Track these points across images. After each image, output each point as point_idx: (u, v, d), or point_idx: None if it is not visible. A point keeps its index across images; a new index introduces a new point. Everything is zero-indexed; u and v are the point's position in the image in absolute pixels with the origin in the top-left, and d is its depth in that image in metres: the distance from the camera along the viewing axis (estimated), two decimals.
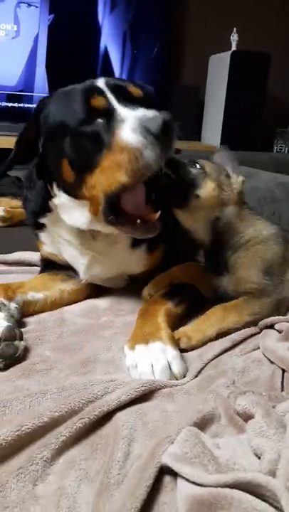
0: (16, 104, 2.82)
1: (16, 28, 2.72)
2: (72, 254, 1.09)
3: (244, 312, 0.95)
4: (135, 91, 0.93)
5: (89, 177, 0.89)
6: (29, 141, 0.99)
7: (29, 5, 2.71)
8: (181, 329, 0.94)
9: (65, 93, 0.95)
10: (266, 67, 2.58)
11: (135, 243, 1.07)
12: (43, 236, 1.14)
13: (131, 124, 0.83)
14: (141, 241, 1.06)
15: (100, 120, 0.88)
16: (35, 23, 2.73)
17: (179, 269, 1.07)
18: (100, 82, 0.92)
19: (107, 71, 2.84)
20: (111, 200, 0.89)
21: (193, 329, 0.94)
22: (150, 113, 0.83)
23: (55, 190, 1.00)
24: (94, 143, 0.87)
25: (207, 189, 0.97)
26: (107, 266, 1.08)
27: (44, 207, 1.07)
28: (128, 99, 0.89)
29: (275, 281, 0.97)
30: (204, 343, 0.91)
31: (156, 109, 0.86)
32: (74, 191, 0.94)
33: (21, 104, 2.83)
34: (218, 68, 2.70)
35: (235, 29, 2.70)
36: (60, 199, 0.99)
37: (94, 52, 2.82)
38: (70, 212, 0.98)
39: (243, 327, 0.94)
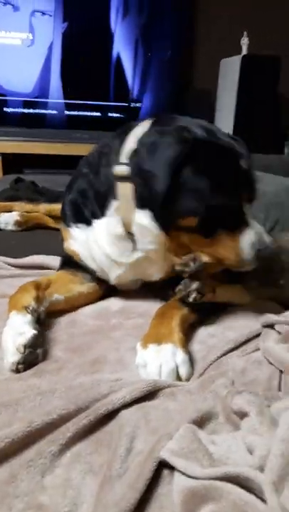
0: (31, 111, 2.89)
1: (31, 37, 2.79)
2: (105, 264, 1.11)
3: None
4: (253, 200, 1.04)
5: (195, 238, 0.99)
6: None
7: (43, 13, 2.78)
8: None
9: (221, 165, 0.97)
10: (276, 70, 2.58)
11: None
12: (77, 232, 1.15)
13: (251, 238, 0.98)
14: None
15: (235, 213, 0.98)
16: (49, 32, 2.79)
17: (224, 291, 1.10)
18: (247, 173, 0.99)
19: (120, 77, 2.88)
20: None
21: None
22: (265, 237, 0.99)
23: (143, 213, 1.00)
24: (220, 226, 0.98)
25: None
26: (136, 272, 1.11)
27: (102, 209, 1.07)
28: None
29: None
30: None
31: None
32: (170, 229, 1.00)
33: (37, 111, 2.89)
34: (229, 72, 2.72)
35: (245, 33, 2.72)
36: (146, 224, 1.01)
37: (107, 58, 2.87)
38: (149, 238, 1.03)
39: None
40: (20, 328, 0.90)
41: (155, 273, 1.12)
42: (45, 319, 1.02)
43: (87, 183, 1.12)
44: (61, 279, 1.15)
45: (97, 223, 1.09)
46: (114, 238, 1.07)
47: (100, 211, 1.08)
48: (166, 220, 0.99)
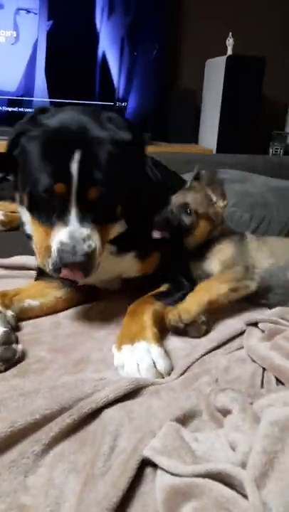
0: (16, 109, 2.87)
1: (15, 34, 2.76)
2: None
3: (224, 279, 1.06)
4: (93, 195, 0.92)
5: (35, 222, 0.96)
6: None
7: (28, 11, 2.75)
8: (178, 306, 1.00)
9: (45, 145, 0.93)
10: (261, 71, 2.60)
11: (121, 251, 1.10)
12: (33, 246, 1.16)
13: (61, 238, 0.90)
14: (127, 249, 1.10)
15: (51, 202, 0.91)
16: (34, 30, 2.76)
17: None
18: (74, 163, 0.89)
19: (106, 76, 2.87)
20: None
21: (187, 305, 1.01)
22: (70, 243, 0.89)
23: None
24: (42, 212, 0.93)
25: (200, 229, 1.17)
26: (100, 270, 1.12)
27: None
28: (84, 196, 0.91)
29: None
30: (199, 314, 0.99)
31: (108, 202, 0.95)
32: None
33: (21, 109, 2.87)
34: (214, 72, 2.73)
35: (230, 33, 2.74)
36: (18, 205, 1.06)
37: (92, 57, 2.85)
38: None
39: (228, 297, 1.04)
40: None
41: (125, 269, 1.13)
42: (16, 323, 1.02)
43: None
44: (35, 286, 1.16)
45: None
46: None
47: None
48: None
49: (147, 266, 1.14)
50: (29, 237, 1.12)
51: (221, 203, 1.19)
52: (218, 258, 1.14)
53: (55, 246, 0.90)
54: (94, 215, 0.92)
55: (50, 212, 0.92)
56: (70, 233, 0.90)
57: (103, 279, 1.15)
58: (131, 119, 1.01)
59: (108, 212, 0.97)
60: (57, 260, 0.90)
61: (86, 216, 0.91)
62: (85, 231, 0.91)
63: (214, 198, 1.19)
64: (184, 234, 1.15)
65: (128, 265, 1.13)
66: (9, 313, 1.01)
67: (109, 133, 0.94)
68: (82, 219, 0.91)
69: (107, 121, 0.97)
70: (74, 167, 0.89)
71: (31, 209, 0.96)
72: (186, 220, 1.14)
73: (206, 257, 1.16)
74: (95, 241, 0.92)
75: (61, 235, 0.90)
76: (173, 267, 1.16)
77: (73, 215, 0.91)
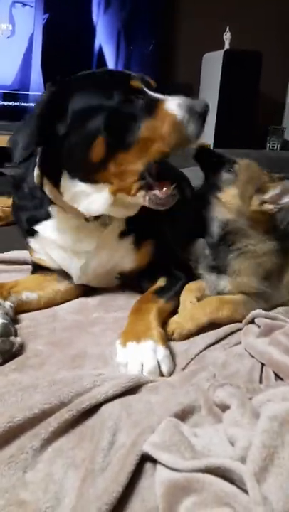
0: (12, 103, 2.85)
1: (11, 28, 2.74)
2: (64, 258, 1.11)
3: (239, 310, 0.99)
4: (153, 83, 1.02)
5: (123, 153, 0.93)
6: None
7: (24, 4, 2.73)
8: (174, 319, 0.97)
9: (90, 77, 1.00)
10: (258, 65, 2.60)
11: (123, 233, 1.10)
12: (33, 242, 1.16)
13: (176, 100, 0.91)
14: (128, 232, 1.10)
15: (139, 99, 0.94)
16: (30, 23, 2.75)
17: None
18: (126, 72, 1.00)
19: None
20: (148, 169, 0.94)
21: (187, 318, 0.97)
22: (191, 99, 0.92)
23: (67, 181, 0.98)
24: (134, 119, 0.92)
25: (228, 196, 1.00)
26: (99, 263, 1.11)
27: (44, 214, 1.09)
28: (150, 88, 0.98)
29: (273, 288, 1.02)
30: (196, 332, 0.96)
31: None
32: (94, 175, 0.95)
33: (17, 103, 2.85)
34: (212, 67, 2.73)
35: (228, 28, 2.73)
36: (76, 188, 0.98)
37: (89, 51, 2.84)
38: (88, 199, 0.98)
39: (235, 320, 0.99)
40: None
41: (122, 259, 1.12)
42: (14, 314, 1.02)
43: None
44: (33, 278, 1.16)
45: None
46: (69, 233, 1.08)
47: None
48: (78, 164, 0.96)
49: (143, 256, 1.13)
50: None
51: (269, 206, 0.99)
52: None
53: (180, 108, 0.90)
54: None
55: (136, 124, 0.92)
56: (181, 99, 0.92)
57: (101, 275, 1.14)
58: None
59: None
60: (190, 114, 0.89)
61: None
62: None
63: (267, 196, 0.99)
64: (213, 191, 0.99)
65: (124, 254, 1.12)
66: (7, 304, 1.01)
67: None
68: None
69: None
70: (128, 72, 0.99)
71: (115, 147, 0.92)
72: (225, 177, 1.00)
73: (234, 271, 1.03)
74: None
75: (175, 103, 0.91)
76: (167, 257, 1.14)
77: (164, 96, 0.94)
